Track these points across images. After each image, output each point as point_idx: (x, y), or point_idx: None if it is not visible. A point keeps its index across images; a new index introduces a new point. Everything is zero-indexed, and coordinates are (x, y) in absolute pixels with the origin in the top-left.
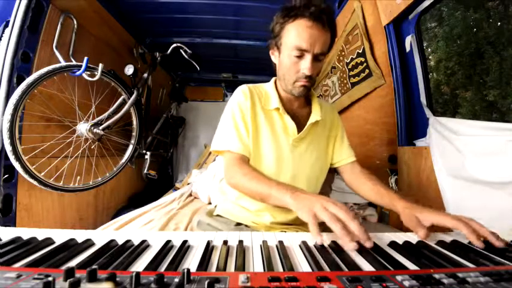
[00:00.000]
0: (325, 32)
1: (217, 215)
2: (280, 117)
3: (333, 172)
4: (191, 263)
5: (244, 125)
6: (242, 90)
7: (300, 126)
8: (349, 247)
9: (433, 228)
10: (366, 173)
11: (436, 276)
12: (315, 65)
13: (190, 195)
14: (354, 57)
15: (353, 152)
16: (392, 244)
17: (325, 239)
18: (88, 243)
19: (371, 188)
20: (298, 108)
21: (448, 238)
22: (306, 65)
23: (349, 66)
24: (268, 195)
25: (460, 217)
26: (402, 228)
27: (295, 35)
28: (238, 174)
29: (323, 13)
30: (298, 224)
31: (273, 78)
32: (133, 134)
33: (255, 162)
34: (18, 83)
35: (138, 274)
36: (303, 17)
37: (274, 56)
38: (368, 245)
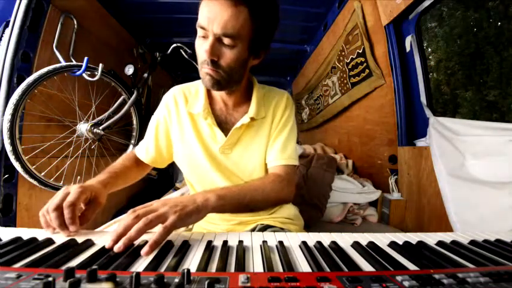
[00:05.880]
0: (230, 7)
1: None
2: (207, 122)
3: (333, 172)
4: (191, 263)
5: (154, 135)
6: (165, 98)
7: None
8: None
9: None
10: (269, 174)
11: (436, 276)
12: (219, 48)
13: None
14: (354, 57)
15: (285, 155)
16: (392, 244)
17: (325, 239)
18: (88, 243)
19: None
20: (236, 106)
21: (448, 238)
22: (205, 47)
23: (349, 66)
24: None
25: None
26: (402, 228)
27: (200, 12)
28: None
29: None
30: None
31: None
32: (134, 134)
33: (197, 172)
34: (19, 83)
35: (138, 274)
36: None
37: None
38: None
